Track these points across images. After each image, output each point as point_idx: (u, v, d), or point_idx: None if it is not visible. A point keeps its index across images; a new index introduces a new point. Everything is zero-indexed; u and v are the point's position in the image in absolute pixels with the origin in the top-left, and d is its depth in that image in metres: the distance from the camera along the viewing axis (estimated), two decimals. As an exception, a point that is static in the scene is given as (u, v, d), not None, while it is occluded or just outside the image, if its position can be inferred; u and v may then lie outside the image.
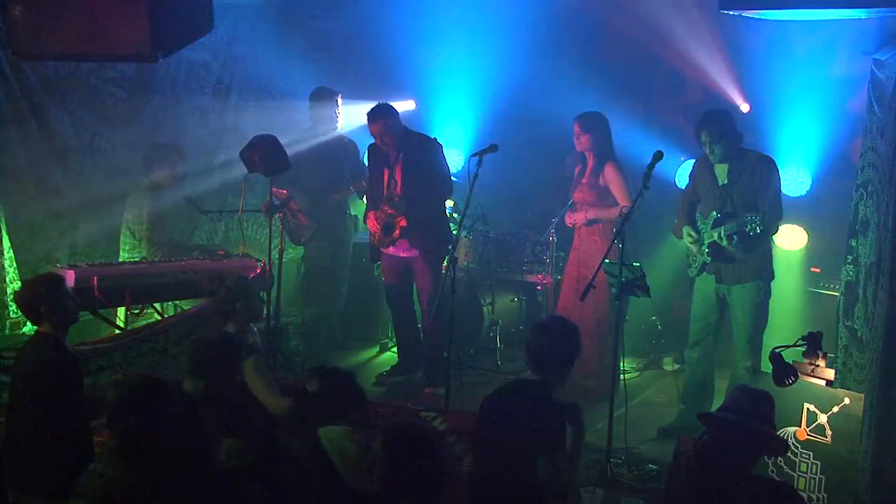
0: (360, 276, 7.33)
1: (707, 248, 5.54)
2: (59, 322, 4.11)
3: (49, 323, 4.08)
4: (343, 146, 7.01)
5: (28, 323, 5.28)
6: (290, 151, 6.20)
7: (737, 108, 7.13)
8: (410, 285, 6.47)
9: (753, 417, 3.38)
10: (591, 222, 6.32)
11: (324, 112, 6.86)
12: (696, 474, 3.46)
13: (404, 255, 6.31)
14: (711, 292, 5.67)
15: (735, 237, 5.37)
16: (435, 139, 6.33)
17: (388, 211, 6.20)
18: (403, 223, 6.15)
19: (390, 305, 6.67)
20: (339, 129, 6.97)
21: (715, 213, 5.51)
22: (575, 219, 6.39)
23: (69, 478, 3.86)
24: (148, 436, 3.16)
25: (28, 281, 4.55)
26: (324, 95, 6.89)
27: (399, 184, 6.18)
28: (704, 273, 5.67)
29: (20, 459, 4.00)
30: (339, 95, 6.93)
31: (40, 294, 4.08)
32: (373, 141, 6.32)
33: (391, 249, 6.31)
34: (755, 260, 5.52)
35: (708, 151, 5.55)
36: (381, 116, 6.12)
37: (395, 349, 7.13)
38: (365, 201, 6.72)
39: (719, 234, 5.43)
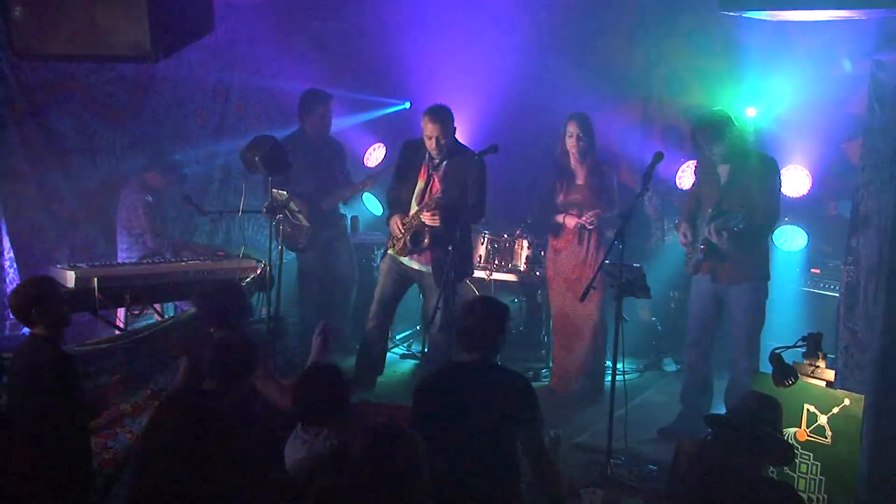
0: (360, 277, 7.31)
1: (701, 244, 5.54)
2: (52, 324, 4.08)
3: (42, 325, 4.07)
4: (333, 148, 6.93)
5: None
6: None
7: (737, 109, 7.12)
8: (399, 298, 6.29)
9: (761, 421, 3.39)
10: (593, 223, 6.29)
11: (315, 115, 6.75)
12: (700, 474, 3.46)
13: (417, 267, 6.03)
14: (709, 292, 5.66)
15: (724, 233, 5.36)
16: (480, 158, 5.69)
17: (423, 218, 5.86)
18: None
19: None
20: (329, 133, 6.90)
21: (711, 210, 5.50)
22: (585, 220, 6.20)
23: (66, 479, 3.86)
24: None
25: (20, 284, 4.55)
26: (315, 98, 6.77)
27: (438, 193, 5.87)
28: (700, 272, 5.67)
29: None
30: (332, 99, 6.81)
31: (31, 297, 4.07)
32: (409, 139, 6.06)
33: (412, 257, 6.02)
34: (752, 260, 5.52)
35: (708, 153, 5.56)
36: (446, 119, 5.74)
37: (393, 349, 7.13)
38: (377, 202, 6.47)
39: (710, 230, 5.42)
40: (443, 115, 5.77)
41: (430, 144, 5.79)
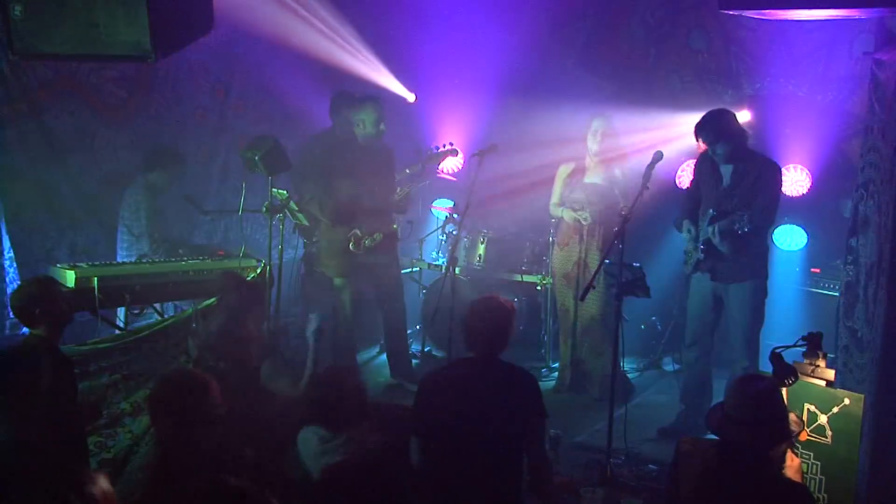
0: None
1: (702, 244, 5.53)
2: (54, 324, 4.08)
3: (43, 325, 4.05)
4: None
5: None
6: (311, 151, 6.37)
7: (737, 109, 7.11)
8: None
9: (761, 428, 3.30)
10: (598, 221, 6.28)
11: (341, 117, 6.76)
12: (700, 472, 3.40)
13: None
14: (708, 291, 5.66)
15: (724, 234, 5.36)
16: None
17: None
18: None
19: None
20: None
21: (712, 210, 5.50)
22: (580, 215, 6.27)
23: (61, 480, 3.84)
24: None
25: (22, 284, 4.54)
26: (342, 101, 6.80)
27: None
28: (699, 272, 5.66)
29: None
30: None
31: (35, 296, 4.06)
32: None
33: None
34: (751, 258, 5.52)
35: (711, 153, 5.54)
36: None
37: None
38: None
39: (712, 231, 5.42)
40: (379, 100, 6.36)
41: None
